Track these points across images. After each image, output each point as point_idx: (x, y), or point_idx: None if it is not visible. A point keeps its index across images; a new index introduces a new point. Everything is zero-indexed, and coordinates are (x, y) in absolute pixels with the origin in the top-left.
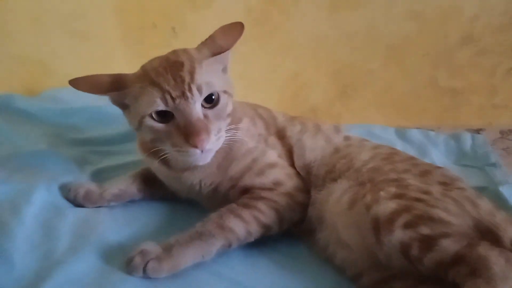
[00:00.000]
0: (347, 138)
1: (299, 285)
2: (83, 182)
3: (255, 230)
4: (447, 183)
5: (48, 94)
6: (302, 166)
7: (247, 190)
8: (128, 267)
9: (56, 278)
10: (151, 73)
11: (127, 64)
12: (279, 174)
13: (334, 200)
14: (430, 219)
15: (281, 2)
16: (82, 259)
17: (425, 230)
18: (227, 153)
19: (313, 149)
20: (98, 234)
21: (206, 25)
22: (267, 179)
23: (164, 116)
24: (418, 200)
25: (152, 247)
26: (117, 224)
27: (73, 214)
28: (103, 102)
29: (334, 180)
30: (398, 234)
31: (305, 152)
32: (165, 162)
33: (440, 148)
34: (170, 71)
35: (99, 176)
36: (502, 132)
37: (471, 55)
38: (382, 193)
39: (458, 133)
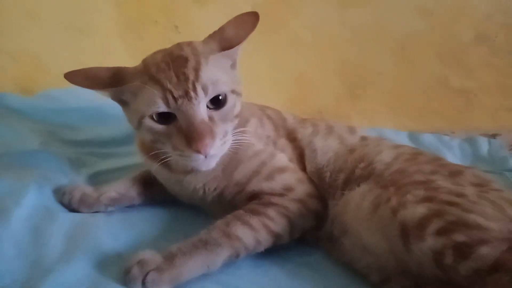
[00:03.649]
0: (363, 138)
1: None
2: (79, 185)
3: (265, 239)
4: (482, 185)
5: (43, 94)
6: (314, 170)
7: (255, 196)
8: (126, 279)
9: (46, 287)
10: (152, 69)
11: (126, 60)
12: (290, 179)
13: (354, 205)
14: (465, 225)
15: None
16: (75, 268)
17: (460, 237)
18: (233, 155)
19: (325, 152)
20: (93, 241)
21: (209, 20)
22: (276, 184)
23: (165, 117)
24: (450, 203)
25: (152, 256)
26: (114, 230)
27: (66, 219)
28: (101, 101)
29: (353, 189)
30: (430, 242)
31: (317, 155)
32: (166, 164)
33: (455, 152)
34: (173, 67)
35: (95, 179)
36: None
37: (484, 54)
38: (409, 196)
39: (473, 138)
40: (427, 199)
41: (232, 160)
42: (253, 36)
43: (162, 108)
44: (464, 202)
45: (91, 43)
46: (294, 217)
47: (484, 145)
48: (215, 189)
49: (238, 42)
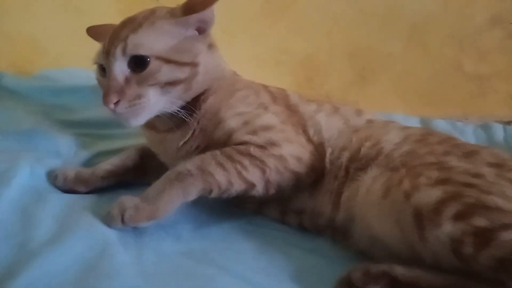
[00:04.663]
0: (370, 121)
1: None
2: (71, 166)
3: (237, 183)
4: (500, 164)
5: (40, 75)
6: (318, 142)
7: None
8: (107, 219)
9: (32, 271)
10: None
11: None
12: (275, 136)
13: (364, 190)
14: (485, 208)
15: None
16: (65, 250)
17: (480, 221)
18: (212, 116)
19: (329, 128)
20: (85, 223)
21: None
22: (259, 138)
23: (104, 70)
24: (467, 185)
25: (131, 198)
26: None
27: (57, 201)
28: None
29: (361, 169)
30: (447, 228)
31: (321, 128)
32: (152, 125)
33: (469, 139)
34: (121, 26)
35: (92, 161)
36: None
37: (499, 38)
38: (422, 178)
39: (488, 124)
40: (442, 181)
41: (212, 120)
42: (259, 17)
43: (97, 59)
44: (482, 182)
45: (90, 23)
46: (269, 172)
47: (499, 131)
48: (197, 147)
49: (199, 10)
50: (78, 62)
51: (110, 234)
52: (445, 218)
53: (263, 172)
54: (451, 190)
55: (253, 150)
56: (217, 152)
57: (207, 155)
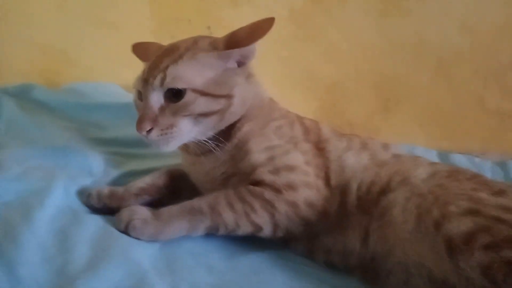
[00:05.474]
0: (396, 156)
1: None
2: (104, 185)
3: (244, 225)
4: None
5: (69, 88)
6: (337, 185)
7: (256, 184)
8: (116, 219)
9: None
10: (159, 51)
11: None
12: (295, 179)
13: (399, 220)
14: None
15: (327, 4)
16: (103, 278)
17: (510, 253)
18: (243, 145)
19: (355, 168)
20: (121, 246)
21: (243, 23)
22: (280, 179)
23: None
24: (498, 220)
25: (142, 210)
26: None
27: (91, 221)
28: (128, 98)
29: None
30: (479, 257)
31: (344, 171)
32: (186, 147)
33: (486, 175)
34: (162, 54)
35: (121, 181)
36: None
37: None
38: (452, 208)
39: (505, 162)
40: (472, 212)
41: (242, 149)
42: (288, 41)
43: (136, 85)
44: None
45: (121, 39)
46: (279, 217)
47: None
48: (223, 173)
49: (242, 46)
50: (106, 77)
51: (144, 261)
52: (476, 247)
53: (272, 215)
54: (482, 223)
55: (267, 194)
56: (231, 192)
57: (221, 194)
